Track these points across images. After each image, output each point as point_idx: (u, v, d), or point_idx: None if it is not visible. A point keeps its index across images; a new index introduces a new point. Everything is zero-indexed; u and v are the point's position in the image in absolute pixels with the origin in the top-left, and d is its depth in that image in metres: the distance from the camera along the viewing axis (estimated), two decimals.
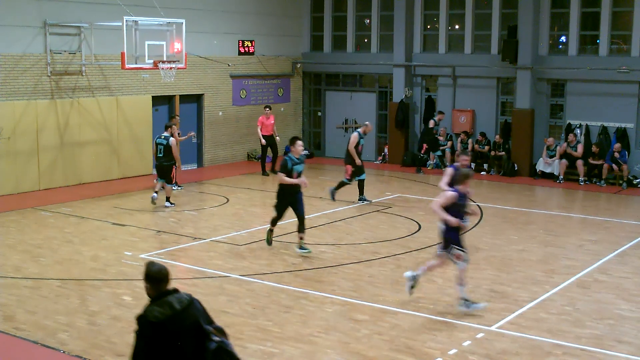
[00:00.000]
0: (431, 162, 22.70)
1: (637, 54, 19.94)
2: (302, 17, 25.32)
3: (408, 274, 10.16)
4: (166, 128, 16.68)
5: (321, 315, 9.67)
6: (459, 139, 22.33)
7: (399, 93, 23.33)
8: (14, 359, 8.46)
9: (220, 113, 22.68)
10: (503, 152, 21.48)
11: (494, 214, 16.23)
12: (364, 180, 17.16)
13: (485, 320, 9.51)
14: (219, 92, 22.57)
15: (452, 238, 9.73)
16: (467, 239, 13.82)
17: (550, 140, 20.59)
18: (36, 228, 14.38)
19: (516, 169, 21.17)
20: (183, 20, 17.63)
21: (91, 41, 18.52)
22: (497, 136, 21.76)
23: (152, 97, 20.52)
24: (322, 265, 11.97)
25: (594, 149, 20.07)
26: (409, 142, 23.58)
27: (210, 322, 5.38)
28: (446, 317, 9.62)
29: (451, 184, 11.70)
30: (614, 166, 19.69)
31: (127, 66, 16.84)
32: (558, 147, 20.48)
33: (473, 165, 21.92)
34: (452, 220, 9.58)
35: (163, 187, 16.39)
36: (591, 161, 20.11)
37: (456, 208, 9.70)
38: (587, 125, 20.75)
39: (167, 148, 16.20)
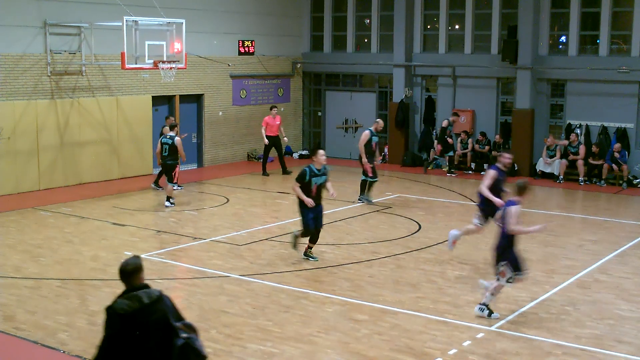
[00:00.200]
0: (431, 162, 22.71)
1: (637, 54, 19.94)
2: (302, 17, 25.33)
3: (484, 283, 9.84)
4: (172, 128, 16.82)
5: (321, 315, 9.67)
6: (459, 139, 22.34)
7: (399, 93, 23.33)
8: (14, 359, 8.46)
9: (220, 113, 22.68)
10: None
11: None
12: (374, 182, 16.96)
13: (485, 320, 9.51)
14: (219, 92, 22.57)
15: (510, 255, 9.41)
16: (467, 239, 13.86)
17: (550, 140, 20.59)
18: (36, 228, 14.38)
19: (516, 169, 21.16)
20: (183, 20, 17.63)
21: (91, 41, 18.52)
22: (497, 136, 21.76)
23: (152, 97, 20.52)
24: (322, 265, 11.97)
25: (594, 149, 20.07)
26: (409, 142, 23.59)
27: (180, 319, 5.43)
28: (446, 317, 9.62)
29: (492, 187, 11.53)
30: (614, 166, 19.70)
31: (127, 66, 16.84)
32: (558, 147, 20.48)
33: (473, 165, 21.94)
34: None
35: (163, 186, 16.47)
36: (591, 161, 20.11)
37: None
38: (587, 125, 20.75)
39: (173, 147, 16.41)
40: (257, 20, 23.59)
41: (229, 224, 14.93)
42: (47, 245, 13.13)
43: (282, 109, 24.78)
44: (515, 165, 21.21)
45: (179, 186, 18.32)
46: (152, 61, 17.04)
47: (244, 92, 23.44)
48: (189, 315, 9.69)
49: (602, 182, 19.83)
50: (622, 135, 20.11)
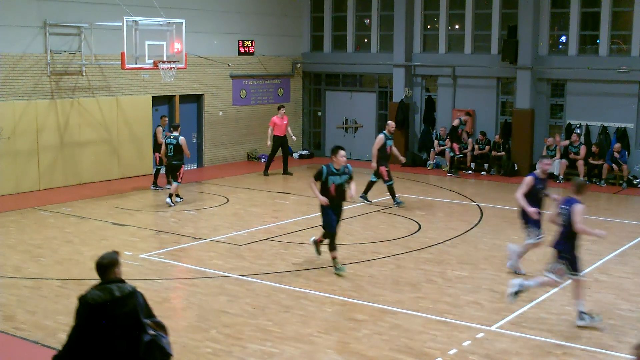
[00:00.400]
0: (431, 162, 22.71)
1: (637, 54, 19.94)
2: (302, 17, 25.33)
3: (516, 281, 9.62)
4: (176, 128, 16.87)
5: (321, 315, 9.67)
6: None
7: (399, 93, 23.33)
8: (14, 359, 8.46)
9: (220, 113, 22.68)
10: (503, 152, 21.48)
11: (494, 214, 16.23)
12: (375, 182, 16.89)
13: (485, 320, 9.51)
14: (219, 92, 22.57)
15: (571, 255, 9.32)
16: (467, 239, 13.87)
17: (550, 140, 20.59)
18: (36, 228, 14.38)
19: (516, 169, 21.17)
20: (183, 20, 17.63)
21: (91, 41, 18.53)
22: (497, 136, 21.76)
23: (152, 97, 20.52)
24: (322, 265, 11.96)
25: (594, 149, 20.07)
26: (409, 142, 23.59)
27: (150, 316, 5.54)
28: (446, 317, 9.62)
29: (528, 194, 11.07)
30: (614, 166, 19.70)
31: (127, 66, 16.84)
32: (558, 147, 20.48)
33: (473, 165, 21.94)
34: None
35: (170, 185, 16.65)
36: (591, 161, 20.11)
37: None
38: (587, 125, 20.76)
39: (177, 147, 16.48)
40: (257, 20, 23.59)
41: (229, 224, 14.93)
42: (47, 245, 13.12)
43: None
44: (515, 165, 21.24)
45: (159, 187, 18.33)
46: (152, 61, 17.05)
47: (244, 92, 23.44)
48: (189, 315, 9.71)
49: (602, 182, 19.83)
50: (622, 135, 20.11)
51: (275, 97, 24.58)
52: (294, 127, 25.37)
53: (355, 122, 24.86)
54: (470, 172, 21.82)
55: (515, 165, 21.24)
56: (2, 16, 17.19)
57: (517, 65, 21.20)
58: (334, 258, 11.43)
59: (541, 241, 11.33)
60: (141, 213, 16.14)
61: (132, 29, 16.78)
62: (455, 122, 21.44)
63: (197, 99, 22.14)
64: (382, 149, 16.58)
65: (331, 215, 11.32)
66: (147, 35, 17.08)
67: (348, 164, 11.57)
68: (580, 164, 20.04)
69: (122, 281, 5.52)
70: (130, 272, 11.52)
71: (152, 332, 5.42)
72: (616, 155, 19.63)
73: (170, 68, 17.41)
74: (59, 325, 9.21)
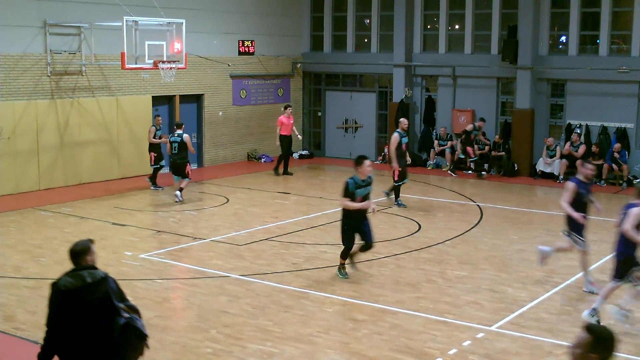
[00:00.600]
0: (431, 162, 22.71)
1: (637, 54, 19.94)
2: (302, 17, 25.33)
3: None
4: (179, 126, 17.00)
5: (321, 315, 9.67)
6: (459, 139, 22.34)
7: (399, 93, 23.33)
8: (14, 359, 8.45)
9: (220, 113, 22.68)
10: (503, 152, 21.48)
11: (494, 214, 16.23)
12: (402, 184, 16.70)
13: (485, 320, 9.51)
14: (219, 92, 22.57)
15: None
16: (467, 239, 13.87)
17: (550, 140, 20.59)
18: (36, 228, 14.38)
19: (516, 169, 21.17)
20: (183, 20, 17.64)
21: (91, 41, 18.53)
22: (497, 136, 21.77)
23: (152, 97, 20.52)
24: (322, 265, 11.97)
25: (594, 148, 20.06)
26: (409, 142, 23.52)
27: (123, 300, 5.60)
28: (446, 317, 9.62)
29: (573, 201, 10.76)
30: (614, 166, 19.70)
31: (127, 66, 16.85)
32: (558, 147, 20.48)
33: (473, 165, 21.93)
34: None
35: (181, 186, 16.89)
36: (591, 161, 20.08)
37: None
38: (587, 125, 20.75)
39: (182, 145, 16.65)
40: (257, 20, 23.59)
41: (229, 224, 14.93)
42: (47, 245, 13.12)
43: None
44: (515, 165, 21.24)
45: (159, 187, 18.36)
46: (152, 61, 17.06)
47: (244, 92, 23.44)
48: (189, 315, 9.71)
49: (602, 182, 19.83)
50: (622, 135, 20.11)
51: (275, 97, 24.58)
52: (294, 127, 25.37)
53: (355, 122, 24.86)
54: (470, 172, 21.81)
55: (515, 165, 21.24)
56: (2, 16, 17.19)
57: (517, 65, 21.20)
58: (342, 264, 11.21)
59: (587, 249, 10.97)
60: (141, 213, 16.15)
61: (132, 29, 16.79)
62: (469, 127, 21.25)
63: (197, 99, 22.15)
64: (398, 147, 16.41)
65: (351, 232, 10.94)
66: (147, 35, 17.09)
67: (371, 174, 11.04)
68: (580, 163, 19.96)
69: (94, 268, 5.57)
70: (130, 272, 11.53)
71: (126, 315, 5.48)
72: (616, 155, 19.63)
73: (170, 68, 17.41)
74: None
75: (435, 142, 22.88)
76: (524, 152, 21.34)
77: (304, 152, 24.95)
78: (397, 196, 16.80)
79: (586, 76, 20.47)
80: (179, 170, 16.83)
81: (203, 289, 10.73)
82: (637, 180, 19.81)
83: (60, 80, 18.37)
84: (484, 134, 21.96)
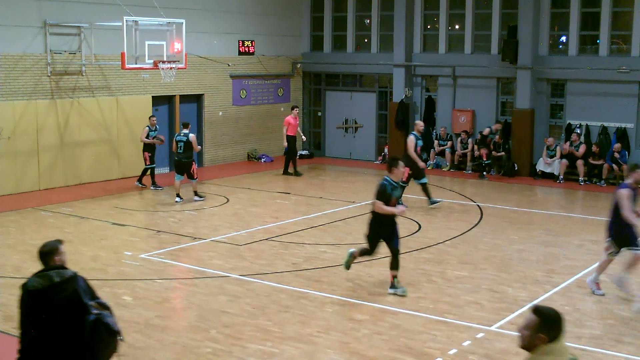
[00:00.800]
0: (431, 162, 22.70)
1: (637, 54, 19.94)
2: (302, 17, 25.33)
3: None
4: (186, 126, 17.08)
5: (321, 315, 9.67)
6: (459, 139, 22.35)
7: (399, 93, 23.33)
8: (14, 359, 8.44)
9: (220, 113, 22.69)
10: (503, 152, 21.47)
11: (494, 214, 16.23)
12: (426, 183, 16.56)
13: (485, 320, 9.51)
14: (219, 92, 22.57)
15: None
16: (467, 239, 13.87)
17: (550, 140, 20.59)
18: (36, 228, 14.38)
19: (516, 169, 21.17)
20: (183, 20, 17.64)
21: (91, 41, 18.53)
22: (497, 136, 21.75)
23: (152, 97, 20.52)
24: (322, 265, 11.97)
25: (595, 148, 20.06)
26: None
27: (94, 298, 5.61)
28: (446, 317, 9.62)
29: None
30: (614, 166, 19.70)
31: (127, 66, 16.85)
32: (558, 147, 20.48)
33: (473, 165, 21.93)
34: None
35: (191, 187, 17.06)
36: (591, 161, 20.11)
37: None
38: (587, 125, 20.76)
39: (187, 144, 16.75)
40: (257, 20, 23.59)
41: (229, 224, 14.93)
42: None
43: (282, 109, 24.82)
44: (515, 165, 21.24)
45: (158, 186, 18.41)
46: (152, 61, 17.06)
47: (244, 92, 23.44)
48: (189, 315, 9.71)
49: (602, 182, 19.83)
50: (622, 135, 20.11)
51: (275, 97, 24.59)
52: None
53: (355, 122, 24.86)
54: (469, 172, 21.82)
55: (515, 165, 21.24)
56: (2, 16, 17.19)
57: (517, 65, 21.20)
58: (394, 277, 10.60)
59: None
60: (141, 213, 16.15)
61: (132, 29, 16.79)
62: (486, 131, 20.95)
63: (197, 99, 22.15)
64: (414, 149, 16.34)
65: (378, 238, 10.61)
66: (147, 35, 17.09)
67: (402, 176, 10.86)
68: (579, 163, 20.04)
69: (63, 267, 5.60)
70: (130, 272, 11.53)
71: (95, 311, 5.49)
72: (616, 155, 19.62)
73: (170, 68, 17.41)
74: None
75: (435, 142, 22.88)
76: (524, 152, 21.33)
77: (304, 152, 24.94)
78: (429, 195, 16.62)
79: (586, 76, 20.47)
80: (183, 169, 16.90)
81: (203, 289, 10.73)
82: None
83: (60, 80, 18.37)
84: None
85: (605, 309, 10.06)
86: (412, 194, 18.50)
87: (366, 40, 24.76)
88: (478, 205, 17.02)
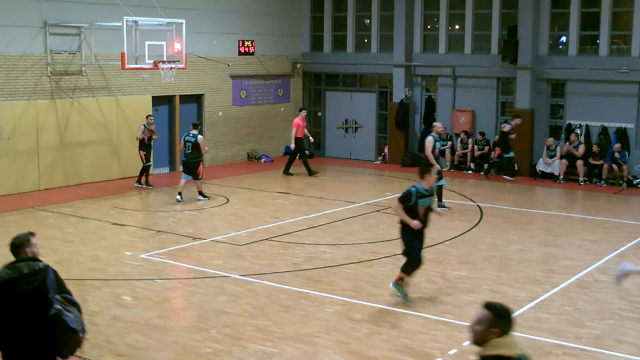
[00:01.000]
0: None
1: (637, 54, 19.94)
2: (302, 17, 25.33)
3: None
4: (196, 126, 17.19)
5: (321, 315, 9.67)
6: (459, 139, 22.35)
7: (399, 93, 23.33)
8: None
9: (221, 113, 22.68)
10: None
11: (494, 214, 16.23)
12: (442, 186, 16.16)
13: None
14: (219, 92, 22.57)
15: None
16: (467, 239, 13.87)
17: (550, 140, 20.59)
18: (36, 228, 14.36)
19: (516, 169, 21.16)
20: (183, 20, 17.64)
21: (91, 41, 18.53)
22: (497, 136, 21.74)
23: (152, 97, 20.52)
24: (322, 265, 11.97)
25: (595, 148, 20.06)
26: (409, 142, 23.58)
27: (63, 292, 5.63)
28: (446, 317, 9.61)
29: None
30: (614, 166, 19.70)
31: (127, 66, 16.84)
32: (558, 147, 20.48)
33: (473, 165, 21.93)
34: None
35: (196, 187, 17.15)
36: (591, 161, 20.11)
37: None
38: (587, 125, 20.76)
39: (195, 145, 16.81)
40: (257, 20, 23.59)
41: (229, 224, 14.93)
42: (47, 245, 13.10)
43: (282, 109, 24.83)
44: (515, 165, 21.23)
45: (141, 184, 18.46)
46: (152, 61, 17.05)
47: (244, 92, 23.44)
48: (189, 315, 9.71)
49: (602, 182, 19.83)
50: (622, 135, 20.10)
51: (276, 97, 24.59)
52: None
53: (355, 122, 24.86)
54: (470, 172, 21.82)
55: (515, 165, 21.23)
56: (2, 16, 17.19)
57: (517, 65, 21.20)
58: (401, 279, 10.21)
59: None
60: (141, 213, 16.15)
61: (132, 29, 16.79)
62: (507, 128, 20.35)
63: (197, 99, 22.14)
64: (432, 150, 15.97)
65: (416, 242, 10.10)
66: (147, 35, 17.08)
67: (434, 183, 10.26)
68: (579, 163, 20.03)
69: (35, 259, 5.62)
70: (130, 272, 11.53)
71: (58, 306, 5.50)
72: (616, 155, 19.62)
73: (170, 68, 17.41)
74: None
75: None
76: (524, 152, 21.33)
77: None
78: (440, 198, 16.50)
79: (586, 76, 20.47)
80: (191, 169, 16.95)
81: (203, 289, 10.73)
82: (638, 180, 19.83)
83: (60, 80, 18.37)
84: (483, 135, 21.94)
85: (605, 309, 10.07)
86: None
87: (366, 40, 24.76)
88: (478, 205, 17.02)
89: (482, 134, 21.94)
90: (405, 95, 23.20)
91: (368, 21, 24.51)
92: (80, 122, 18.84)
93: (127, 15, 16.72)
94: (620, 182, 19.75)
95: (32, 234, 5.88)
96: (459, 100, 22.84)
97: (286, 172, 21.01)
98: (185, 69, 18.47)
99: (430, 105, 23.38)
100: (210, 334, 8.98)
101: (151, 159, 18.94)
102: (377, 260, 12.37)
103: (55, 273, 5.61)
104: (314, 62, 25.21)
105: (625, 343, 8.87)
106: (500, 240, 13.89)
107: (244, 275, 11.39)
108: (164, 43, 17.35)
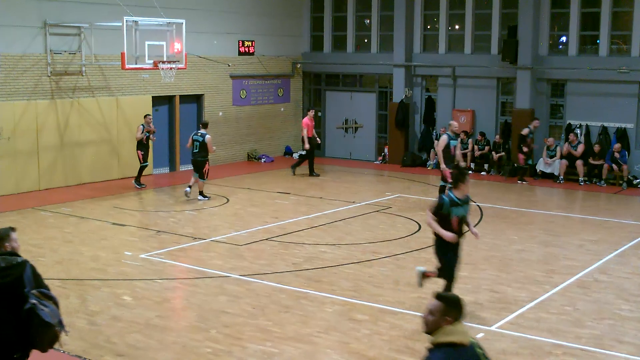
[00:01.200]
0: (431, 162, 22.70)
1: (637, 54, 19.94)
2: (302, 17, 25.33)
3: None
4: (205, 126, 17.26)
5: (321, 315, 9.67)
6: (459, 139, 22.31)
7: (399, 93, 23.33)
8: None
9: (221, 113, 22.68)
10: (503, 153, 21.47)
11: (494, 214, 16.23)
12: (444, 187, 16.11)
13: (485, 320, 9.51)
14: (219, 92, 22.57)
15: None
16: (467, 239, 13.85)
17: (551, 140, 20.58)
18: (36, 228, 14.38)
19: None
20: (183, 20, 17.64)
21: (91, 41, 18.53)
22: (497, 136, 21.77)
23: (152, 97, 20.52)
24: (322, 265, 11.97)
25: (597, 148, 20.05)
26: (409, 142, 23.59)
27: (40, 287, 5.65)
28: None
29: None
30: (614, 166, 19.69)
31: (127, 66, 16.84)
32: (558, 147, 20.47)
33: (473, 165, 21.94)
34: None
35: (197, 182, 17.22)
36: (591, 161, 20.11)
37: None
38: (587, 125, 20.75)
39: (203, 144, 16.93)
40: (257, 20, 23.59)
41: (229, 224, 14.93)
42: (47, 245, 13.12)
43: (282, 109, 24.83)
44: (515, 165, 21.21)
45: (141, 184, 18.50)
46: (152, 61, 17.05)
47: (244, 92, 23.44)
48: (189, 315, 9.71)
49: (602, 182, 19.83)
50: (622, 135, 20.10)
51: (275, 97, 24.59)
52: (295, 127, 25.38)
53: (355, 122, 24.86)
54: (470, 172, 21.81)
55: (516, 165, 21.22)
56: (2, 16, 17.18)
57: (517, 65, 21.20)
58: (429, 276, 9.80)
59: None
60: (141, 213, 16.15)
61: (132, 29, 16.79)
62: (525, 131, 20.14)
63: (197, 99, 22.14)
64: (446, 149, 15.93)
65: (451, 254, 9.48)
66: (147, 35, 17.08)
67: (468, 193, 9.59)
68: (579, 163, 20.03)
69: (14, 254, 5.65)
70: (130, 272, 11.53)
71: (33, 300, 5.51)
72: (616, 155, 19.62)
73: (170, 68, 17.41)
74: None
75: (436, 142, 22.85)
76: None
77: (303, 153, 24.91)
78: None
79: (586, 76, 20.47)
80: (197, 167, 17.11)
81: (203, 289, 10.73)
82: (638, 180, 19.82)
83: (60, 80, 18.37)
84: (483, 135, 21.94)
85: (605, 309, 10.07)
86: (412, 194, 18.51)
87: (366, 40, 24.76)
88: (478, 205, 17.01)
89: (482, 134, 21.93)
90: (405, 95, 23.20)
91: (368, 21, 24.51)
92: (80, 122, 18.83)
93: (127, 15, 16.72)
94: (620, 182, 19.75)
95: (12, 229, 5.96)
96: (459, 100, 22.84)
97: (311, 173, 20.95)
98: (185, 69, 18.47)
99: (430, 105, 23.38)
100: (210, 334, 8.98)
101: (149, 160, 18.93)
102: (377, 260, 12.37)
103: (33, 268, 5.65)
104: (314, 62, 25.21)
105: (625, 343, 8.87)
106: (500, 240, 13.89)
107: (244, 275, 11.39)
108: (164, 43, 17.35)
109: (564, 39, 21.55)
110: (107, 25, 18.15)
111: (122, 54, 16.57)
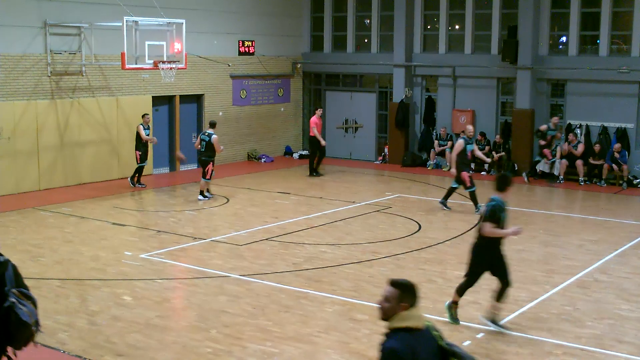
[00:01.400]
0: (431, 162, 22.71)
1: (637, 54, 19.94)
2: (302, 17, 25.33)
3: None
4: (213, 125, 17.34)
5: (321, 315, 9.67)
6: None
7: (399, 93, 23.33)
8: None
9: (221, 113, 22.67)
10: (503, 153, 21.47)
11: None
12: (456, 189, 16.28)
13: (484, 320, 9.50)
14: (219, 92, 22.57)
15: None
16: (467, 239, 13.85)
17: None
18: (36, 228, 14.38)
19: (516, 169, 21.16)
20: (183, 20, 17.64)
21: (91, 41, 18.53)
22: (498, 136, 21.76)
23: (152, 97, 20.52)
24: (322, 265, 11.97)
25: (597, 148, 20.04)
26: (409, 142, 23.59)
27: (20, 287, 5.62)
28: (446, 317, 9.60)
29: None
30: (614, 166, 19.69)
31: (127, 66, 16.85)
32: (558, 147, 20.47)
33: (473, 165, 21.92)
34: None
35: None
36: (591, 161, 20.10)
37: None
38: (587, 125, 20.76)
39: (209, 144, 17.02)
40: (257, 20, 23.59)
41: (229, 224, 14.93)
42: (47, 245, 13.12)
43: (282, 109, 24.83)
44: (515, 165, 21.23)
45: (140, 184, 18.57)
46: (152, 61, 17.05)
47: (244, 92, 23.44)
48: (189, 315, 9.71)
49: (602, 182, 19.83)
50: (622, 135, 20.11)
51: (276, 97, 24.59)
52: (294, 127, 25.40)
53: (355, 122, 24.86)
54: (470, 172, 21.76)
55: (515, 165, 21.24)
56: (2, 16, 17.18)
57: (517, 65, 21.20)
58: (455, 302, 9.49)
59: None
60: (141, 213, 16.15)
61: (132, 29, 16.79)
62: (543, 127, 19.96)
63: (197, 99, 22.14)
64: (462, 154, 15.94)
65: (484, 266, 9.28)
66: (147, 35, 17.08)
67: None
68: (579, 163, 20.03)
69: None
70: (130, 272, 11.53)
71: (12, 299, 5.49)
72: (616, 155, 19.62)
73: (170, 68, 17.41)
74: (58, 325, 9.21)
75: (436, 142, 22.89)
76: (524, 152, 21.33)
77: (304, 152, 24.94)
78: (447, 197, 16.47)
79: (586, 76, 20.47)
80: (202, 167, 17.21)
81: (203, 289, 10.73)
82: (638, 180, 19.82)
83: (60, 80, 18.37)
84: (483, 135, 21.92)
85: (605, 308, 10.07)
86: (412, 194, 18.51)
87: (366, 40, 24.76)
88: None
89: (483, 134, 21.91)
90: (405, 95, 23.20)
91: (368, 21, 24.51)
92: (80, 122, 18.84)
93: (127, 15, 16.72)
94: (620, 182, 19.75)
95: None
96: (459, 100, 22.84)
97: (311, 173, 20.96)
98: (185, 69, 18.47)
99: (430, 105, 23.38)
100: (210, 333, 8.98)
101: (148, 160, 18.93)
102: (377, 260, 12.37)
103: (15, 268, 5.65)
104: (314, 62, 25.21)
105: (625, 343, 8.87)
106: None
107: (244, 275, 11.39)
108: (164, 43, 17.35)
109: (564, 39, 21.55)
110: (107, 25, 18.15)
111: (122, 54, 16.58)
